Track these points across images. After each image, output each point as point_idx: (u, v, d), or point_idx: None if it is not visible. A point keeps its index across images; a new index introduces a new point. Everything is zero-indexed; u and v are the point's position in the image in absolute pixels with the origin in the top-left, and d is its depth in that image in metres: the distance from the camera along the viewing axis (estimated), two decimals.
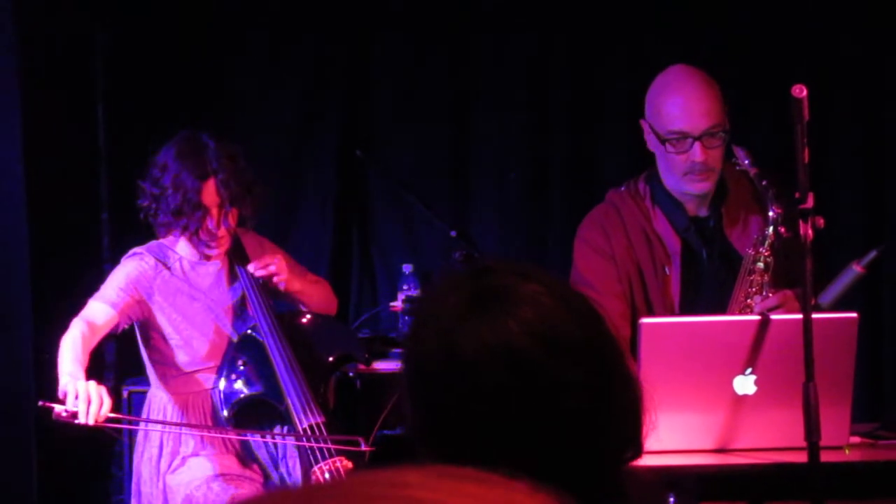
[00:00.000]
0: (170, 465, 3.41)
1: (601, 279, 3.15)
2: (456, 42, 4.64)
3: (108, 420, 3.09)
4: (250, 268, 3.47)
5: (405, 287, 4.44)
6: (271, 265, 3.44)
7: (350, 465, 3.24)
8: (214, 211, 3.35)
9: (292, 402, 3.33)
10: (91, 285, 4.25)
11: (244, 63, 4.62)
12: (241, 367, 3.43)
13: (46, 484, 4.05)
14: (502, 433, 1.23)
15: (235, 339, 3.46)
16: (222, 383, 3.42)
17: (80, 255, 4.25)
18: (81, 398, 3.00)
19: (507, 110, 4.63)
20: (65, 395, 3.04)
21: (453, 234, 4.04)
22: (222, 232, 3.38)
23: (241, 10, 4.61)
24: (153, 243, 3.51)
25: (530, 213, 4.64)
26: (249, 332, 3.46)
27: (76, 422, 3.03)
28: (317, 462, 3.26)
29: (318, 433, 3.28)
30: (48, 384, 4.05)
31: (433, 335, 1.27)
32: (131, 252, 3.48)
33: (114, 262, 4.25)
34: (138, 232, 4.25)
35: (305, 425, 3.30)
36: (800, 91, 2.58)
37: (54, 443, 4.08)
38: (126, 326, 3.42)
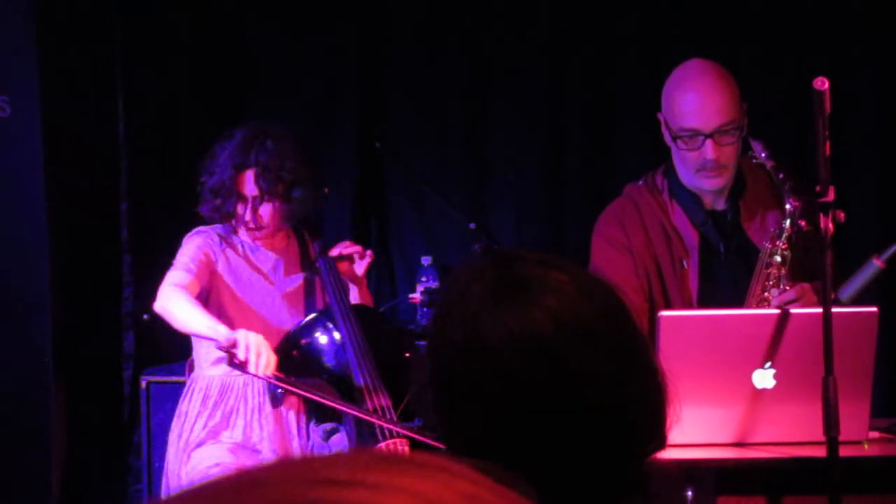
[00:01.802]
0: (190, 442, 3.41)
1: (618, 273, 3.13)
2: (472, 34, 4.63)
3: (274, 377, 3.18)
4: (335, 250, 3.55)
5: (424, 279, 4.43)
6: (357, 246, 3.56)
7: (408, 450, 3.24)
8: (248, 201, 3.46)
9: (359, 382, 3.36)
10: (109, 276, 4.27)
11: (262, 56, 4.63)
12: (294, 354, 3.44)
13: (66, 472, 4.07)
14: (525, 422, 1.23)
15: (298, 324, 3.48)
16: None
17: (98, 246, 4.27)
18: (252, 351, 3.11)
19: (523, 102, 4.62)
20: (231, 343, 3.13)
21: (472, 226, 4.04)
22: (260, 222, 3.47)
23: (259, 4, 4.62)
24: (217, 225, 3.57)
25: (547, 205, 4.64)
26: (313, 316, 3.50)
27: (245, 371, 3.13)
28: (378, 442, 3.27)
29: (386, 414, 3.31)
30: (67, 374, 4.08)
31: (458, 323, 1.27)
32: (196, 230, 3.55)
33: (133, 252, 4.26)
34: (156, 223, 4.27)
35: (372, 406, 3.32)
36: (821, 84, 2.56)
37: (73, 432, 4.10)
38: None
